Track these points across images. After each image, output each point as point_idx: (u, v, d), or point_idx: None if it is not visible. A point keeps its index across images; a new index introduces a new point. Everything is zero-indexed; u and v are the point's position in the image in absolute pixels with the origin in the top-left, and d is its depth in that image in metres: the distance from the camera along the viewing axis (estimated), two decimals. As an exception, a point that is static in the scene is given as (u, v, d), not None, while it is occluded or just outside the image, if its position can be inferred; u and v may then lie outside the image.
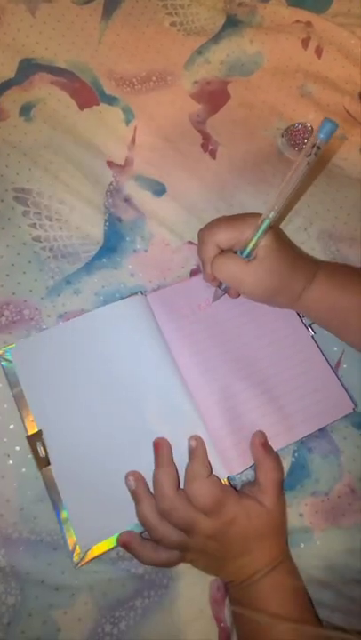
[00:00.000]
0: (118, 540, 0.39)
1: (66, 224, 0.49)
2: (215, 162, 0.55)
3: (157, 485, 0.38)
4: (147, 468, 0.40)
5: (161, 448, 0.40)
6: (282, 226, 0.53)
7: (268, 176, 0.55)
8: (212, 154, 0.55)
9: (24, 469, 0.40)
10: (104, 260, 0.48)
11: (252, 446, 0.42)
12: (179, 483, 0.39)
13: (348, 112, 0.60)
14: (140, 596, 0.40)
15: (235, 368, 0.45)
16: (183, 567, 0.40)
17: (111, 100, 0.54)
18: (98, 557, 0.39)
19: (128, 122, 0.54)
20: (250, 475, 0.44)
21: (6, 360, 0.42)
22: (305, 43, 0.62)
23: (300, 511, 0.44)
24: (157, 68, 0.57)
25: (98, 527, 0.39)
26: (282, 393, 0.44)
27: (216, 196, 0.53)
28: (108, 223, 0.50)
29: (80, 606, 0.38)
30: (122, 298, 0.46)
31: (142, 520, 0.38)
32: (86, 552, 0.39)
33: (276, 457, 0.41)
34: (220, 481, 0.39)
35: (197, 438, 0.40)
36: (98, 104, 0.54)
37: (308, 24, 0.62)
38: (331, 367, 0.47)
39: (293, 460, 0.45)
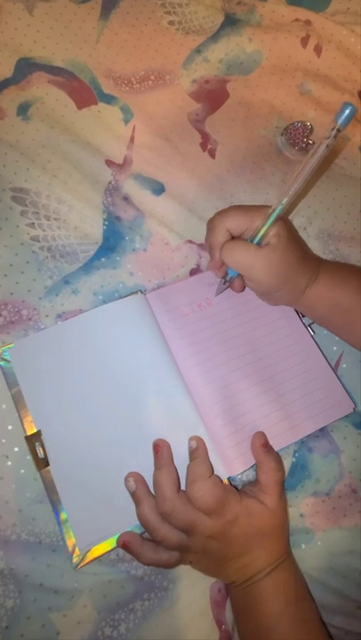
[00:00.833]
0: (118, 541, 0.38)
1: (64, 223, 0.48)
2: (214, 161, 0.55)
3: (158, 487, 0.38)
4: (146, 468, 0.39)
5: (161, 449, 0.39)
6: (281, 225, 0.53)
7: (267, 175, 0.55)
8: (212, 153, 0.55)
9: (23, 471, 0.40)
10: (103, 259, 0.48)
11: (252, 447, 0.41)
12: (179, 484, 0.39)
13: (347, 111, 0.60)
14: (140, 599, 0.39)
15: (235, 368, 0.45)
16: (183, 569, 0.40)
17: (109, 99, 0.54)
18: (97, 559, 0.39)
19: (127, 121, 0.54)
20: (251, 475, 0.43)
21: (4, 360, 0.42)
22: (304, 41, 0.61)
23: (301, 512, 0.43)
24: (156, 67, 0.57)
25: (97, 528, 0.39)
26: (282, 393, 0.44)
27: (215, 195, 0.53)
28: (106, 222, 0.49)
29: (79, 609, 0.38)
30: (121, 297, 0.46)
31: (143, 521, 0.38)
32: (86, 553, 0.38)
33: (277, 457, 0.41)
34: (222, 481, 0.39)
35: (198, 439, 0.40)
36: (96, 103, 0.54)
37: (308, 22, 0.62)
38: (331, 367, 0.46)
39: (294, 459, 0.44)
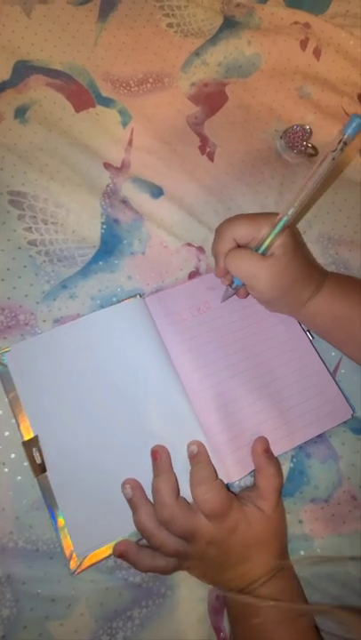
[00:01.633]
0: (114, 551, 0.38)
1: (62, 227, 0.48)
2: (213, 164, 0.54)
3: (157, 493, 0.38)
4: (145, 474, 0.39)
5: (160, 455, 0.39)
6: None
7: (266, 178, 0.55)
8: (210, 156, 0.55)
9: (19, 477, 0.40)
10: (101, 263, 0.48)
11: (253, 452, 0.41)
12: (178, 491, 0.38)
13: (346, 113, 0.60)
14: (138, 606, 0.39)
15: (234, 373, 0.44)
16: (181, 576, 0.40)
17: (107, 102, 0.54)
18: (94, 566, 0.38)
19: (125, 124, 0.54)
20: (248, 480, 0.43)
21: (1, 364, 0.42)
22: (303, 44, 0.61)
23: (299, 518, 0.43)
24: (154, 70, 0.57)
25: (95, 534, 0.39)
26: (281, 399, 0.44)
27: (214, 199, 0.53)
28: (104, 226, 0.49)
29: (76, 617, 0.38)
30: (119, 301, 0.46)
31: (140, 528, 0.37)
32: (83, 560, 0.38)
33: (277, 463, 0.41)
34: (226, 486, 0.39)
35: (199, 444, 0.40)
36: (94, 106, 0.53)
37: (307, 25, 0.62)
38: (329, 373, 0.46)
39: (292, 465, 0.44)
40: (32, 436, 0.40)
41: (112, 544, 0.38)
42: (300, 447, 0.45)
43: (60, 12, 0.55)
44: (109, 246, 0.48)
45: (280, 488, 0.40)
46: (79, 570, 0.38)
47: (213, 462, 0.40)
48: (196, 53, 0.58)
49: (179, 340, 0.45)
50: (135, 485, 0.39)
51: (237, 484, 0.43)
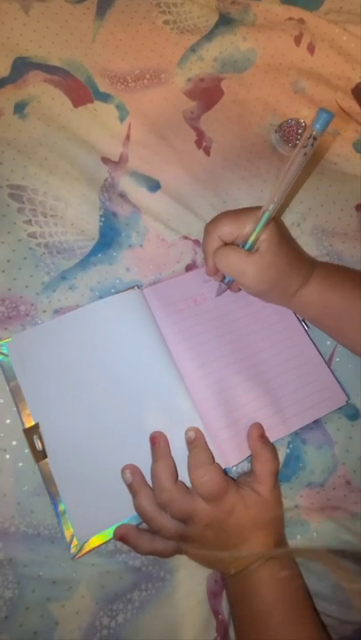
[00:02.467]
0: (115, 535, 0.39)
1: (61, 220, 0.49)
2: (209, 158, 0.55)
3: (156, 478, 0.38)
4: (144, 460, 0.40)
5: (158, 441, 0.40)
6: (276, 221, 0.53)
7: (262, 172, 0.56)
8: (206, 150, 0.56)
9: (21, 464, 0.41)
10: (99, 255, 0.48)
11: (249, 438, 0.42)
12: (177, 475, 0.39)
13: (341, 108, 0.61)
14: (138, 589, 0.40)
15: (230, 362, 0.45)
16: (181, 560, 0.41)
17: (105, 98, 0.55)
18: (95, 550, 0.39)
19: (122, 119, 0.54)
20: (245, 466, 0.44)
21: (2, 354, 0.43)
22: (298, 39, 0.62)
23: (296, 503, 0.44)
24: (151, 66, 0.58)
25: (95, 519, 0.39)
26: (276, 386, 0.45)
27: (210, 192, 0.54)
28: (103, 219, 0.50)
29: (77, 599, 0.38)
30: (118, 293, 0.46)
31: (140, 512, 0.38)
32: (83, 544, 0.39)
33: (272, 448, 0.42)
34: (223, 469, 0.40)
35: (196, 429, 0.41)
36: (92, 101, 0.54)
37: (301, 21, 0.63)
38: (324, 360, 0.47)
39: (288, 450, 0.45)
40: (33, 423, 0.41)
41: (112, 529, 0.39)
42: (296, 433, 0.45)
43: (58, 10, 0.56)
44: (108, 239, 0.49)
45: (276, 472, 0.41)
46: (80, 554, 0.39)
47: (211, 448, 0.41)
48: (192, 49, 0.59)
49: (176, 330, 0.46)
50: (135, 471, 0.40)
51: (235, 469, 0.44)
